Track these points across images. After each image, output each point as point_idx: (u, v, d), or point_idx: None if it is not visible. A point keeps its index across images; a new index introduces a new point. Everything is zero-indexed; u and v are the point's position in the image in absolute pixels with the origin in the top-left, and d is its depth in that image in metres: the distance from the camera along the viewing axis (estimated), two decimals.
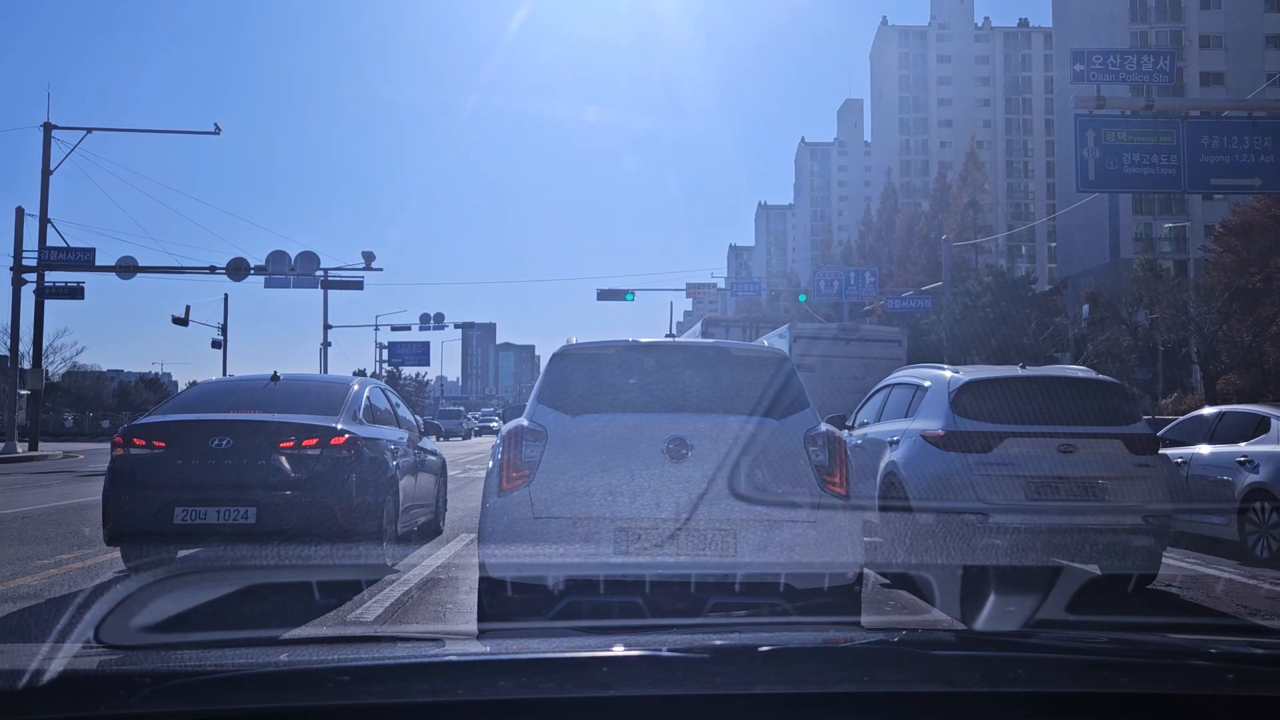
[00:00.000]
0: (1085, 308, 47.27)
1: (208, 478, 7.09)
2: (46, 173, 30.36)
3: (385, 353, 60.84)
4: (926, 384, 8.17)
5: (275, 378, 8.45)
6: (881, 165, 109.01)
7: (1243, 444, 9.84)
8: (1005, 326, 43.25)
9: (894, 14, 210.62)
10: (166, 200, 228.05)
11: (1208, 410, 11.66)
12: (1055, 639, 1.93)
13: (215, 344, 42.61)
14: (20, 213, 30.27)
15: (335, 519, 7.18)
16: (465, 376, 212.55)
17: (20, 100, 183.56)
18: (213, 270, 32.93)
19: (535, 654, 1.70)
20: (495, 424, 54.05)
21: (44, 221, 30.15)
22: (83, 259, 30.70)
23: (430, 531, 9.92)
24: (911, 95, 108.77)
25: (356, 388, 8.52)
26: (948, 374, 8.06)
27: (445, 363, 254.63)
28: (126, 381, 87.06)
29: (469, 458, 26.09)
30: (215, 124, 32.20)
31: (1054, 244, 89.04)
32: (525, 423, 5.12)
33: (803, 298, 48.12)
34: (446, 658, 1.75)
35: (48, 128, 30.47)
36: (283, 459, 7.19)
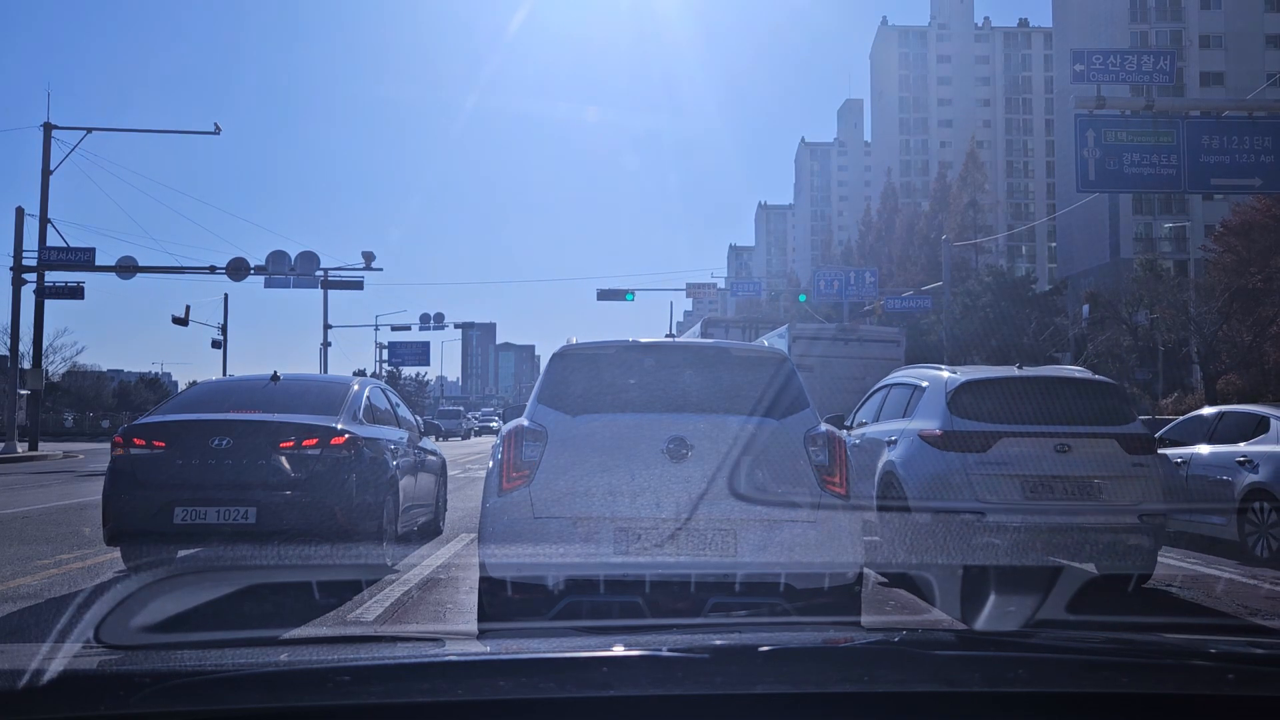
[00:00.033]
0: (1085, 308, 47.29)
1: (208, 478, 7.09)
2: (46, 173, 30.37)
3: (385, 353, 60.86)
4: (924, 384, 8.19)
5: (275, 378, 8.45)
6: (881, 165, 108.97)
7: (1242, 444, 9.84)
8: (1005, 326, 43.22)
9: (894, 14, 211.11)
10: (166, 200, 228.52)
11: (1207, 410, 11.66)
12: (1055, 639, 1.93)
13: (215, 344, 42.64)
14: (20, 213, 30.28)
15: (335, 519, 7.18)
16: (465, 376, 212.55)
17: (20, 100, 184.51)
18: (213, 270, 32.95)
19: (535, 654, 1.70)
20: (495, 424, 53.99)
21: (44, 221, 30.18)
22: (83, 259, 30.71)
23: (430, 531, 9.92)
24: (911, 95, 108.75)
25: (356, 388, 8.52)
26: (945, 374, 8.08)
27: (445, 363, 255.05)
28: (126, 381, 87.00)
29: (469, 458, 26.08)
30: (215, 124, 32.27)
31: (1054, 244, 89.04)
32: (525, 423, 5.12)
33: (803, 298, 48.14)
34: (446, 658, 1.75)
35: (48, 128, 30.47)
36: (283, 459, 7.19)
